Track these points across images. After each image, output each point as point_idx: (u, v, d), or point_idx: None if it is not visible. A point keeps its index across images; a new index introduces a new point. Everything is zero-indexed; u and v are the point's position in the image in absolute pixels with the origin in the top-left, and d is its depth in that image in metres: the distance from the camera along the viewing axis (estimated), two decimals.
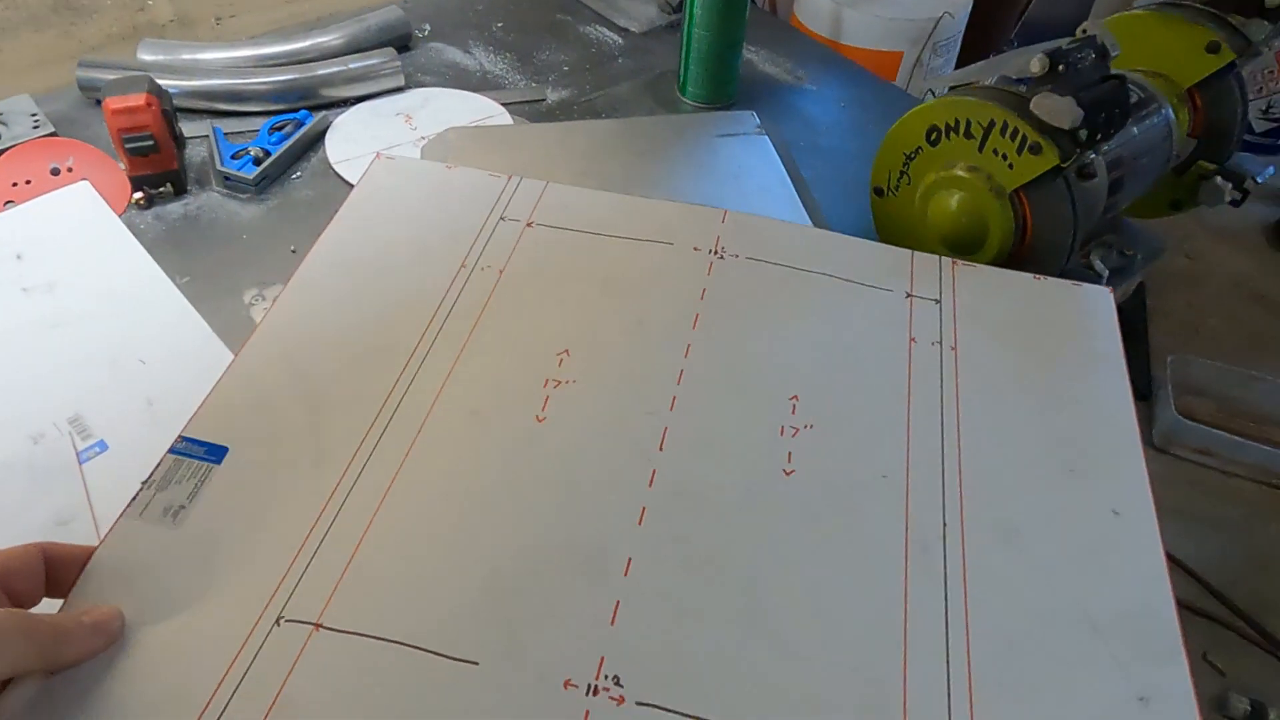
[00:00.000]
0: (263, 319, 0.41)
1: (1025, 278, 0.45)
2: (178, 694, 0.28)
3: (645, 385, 0.38)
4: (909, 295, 0.43)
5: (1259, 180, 0.58)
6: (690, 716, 0.29)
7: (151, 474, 0.34)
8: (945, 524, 0.34)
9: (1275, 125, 1.94)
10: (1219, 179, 0.58)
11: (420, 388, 0.38)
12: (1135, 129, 0.51)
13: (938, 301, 0.43)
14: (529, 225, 0.46)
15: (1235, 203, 0.58)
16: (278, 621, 0.30)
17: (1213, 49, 0.56)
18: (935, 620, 0.32)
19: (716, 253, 0.44)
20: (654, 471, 0.35)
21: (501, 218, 0.46)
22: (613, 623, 0.31)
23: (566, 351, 0.39)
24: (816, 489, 0.35)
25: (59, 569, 0.30)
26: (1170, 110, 0.55)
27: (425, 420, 0.37)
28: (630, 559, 0.32)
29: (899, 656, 0.31)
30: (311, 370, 0.38)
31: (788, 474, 0.35)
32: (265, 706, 0.28)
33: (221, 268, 0.56)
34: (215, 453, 0.35)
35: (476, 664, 0.29)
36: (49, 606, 0.30)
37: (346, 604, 0.31)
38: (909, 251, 0.45)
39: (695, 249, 0.44)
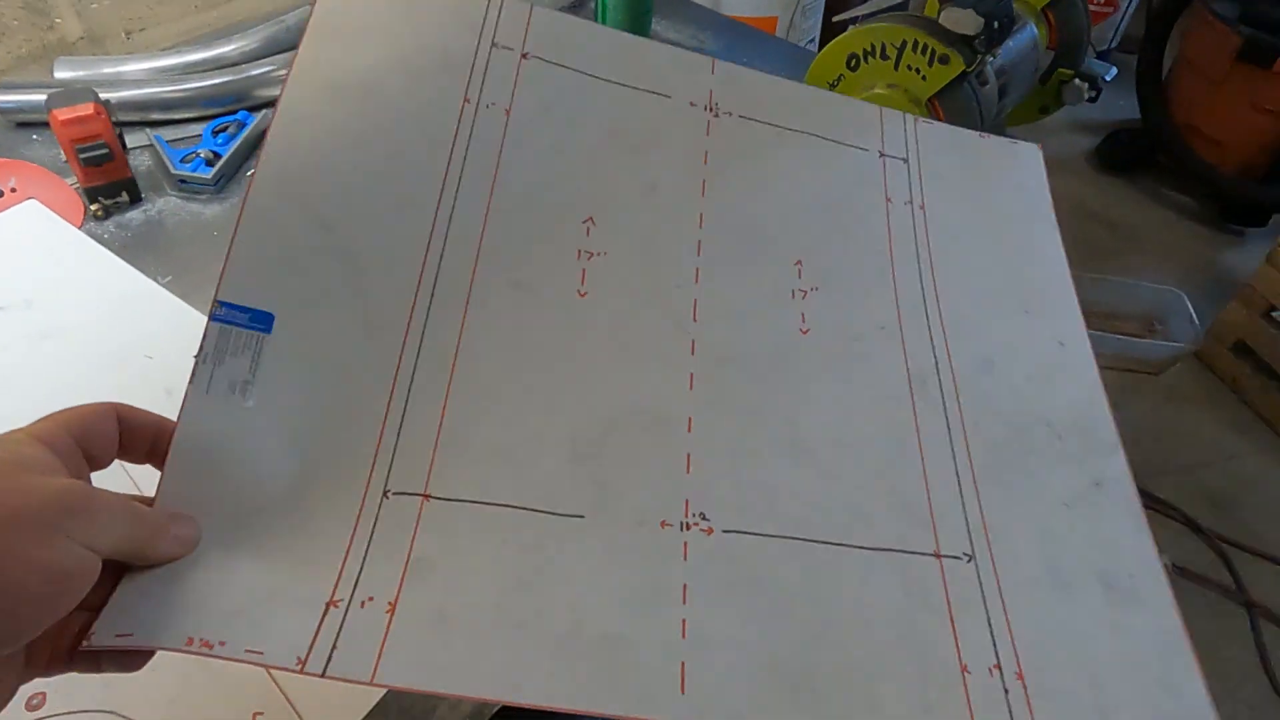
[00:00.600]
0: (261, 155, 0.37)
1: (972, 135, 0.51)
2: (309, 560, 0.30)
3: (670, 259, 0.41)
4: (881, 155, 0.48)
5: (1107, 79, 0.68)
6: (767, 535, 0.34)
7: (201, 346, 0.32)
8: (937, 361, 0.41)
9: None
10: (1077, 81, 0.67)
11: (456, 253, 0.38)
12: (1011, 42, 0.60)
13: (905, 161, 0.48)
14: (524, 57, 0.44)
15: (1092, 99, 0.68)
16: (385, 494, 0.32)
17: None
18: (941, 436, 0.38)
19: (711, 109, 0.46)
20: (693, 341, 0.39)
21: (494, 44, 0.43)
22: (688, 471, 0.35)
23: (591, 220, 0.41)
24: (829, 343, 0.40)
25: (130, 433, 0.30)
26: (1033, 26, 0.64)
27: (470, 291, 0.37)
28: (690, 418, 0.37)
29: (919, 467, 0.37)
30: (333, 219, 0.36)
31: (804, 333, 0.40)
32: (400, 566, 0.31)
33: (200, 263, 0.56)
34: (261, 320, 0.34)
35: (582, 517, 0.33)
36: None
37: (447, 474, 0.33)
38: (877, 107, 0.50)
39: (691, 104, 0.46)
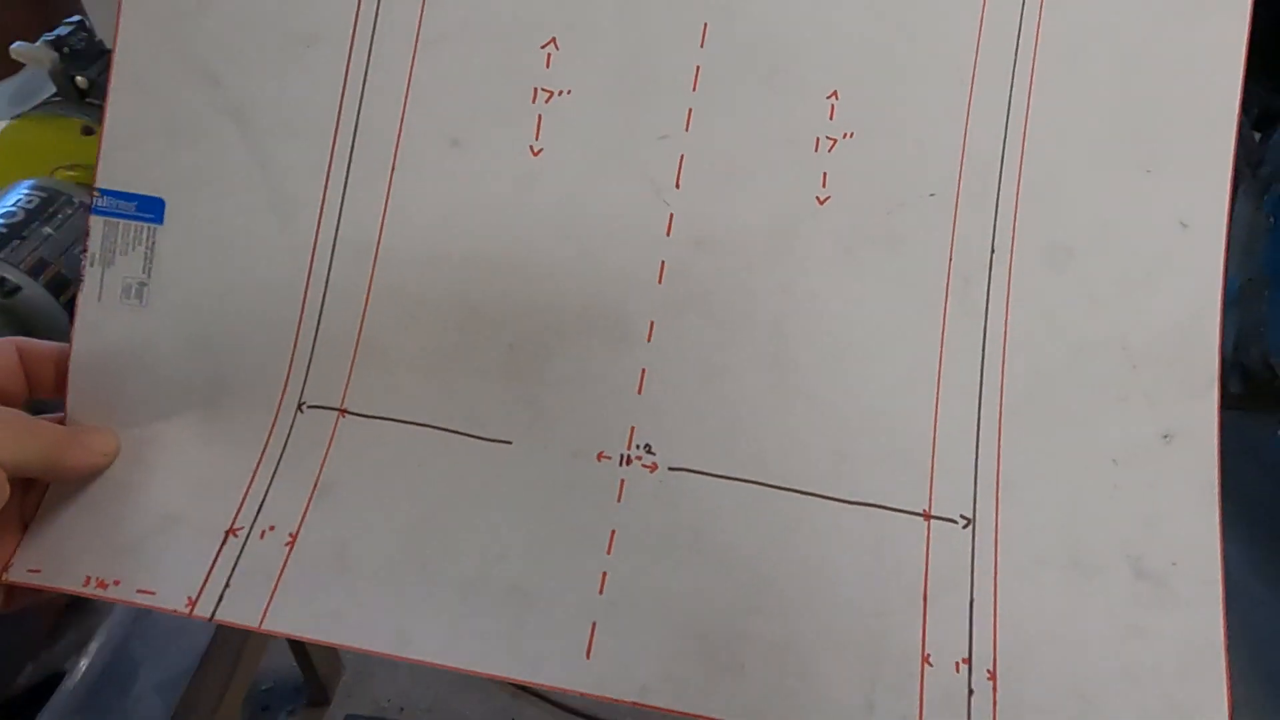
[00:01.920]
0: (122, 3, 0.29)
1: None
2: (214, 483, 0.28)
3: (654, 94, 0.31)
4: None
5: None
6: (720, 477, 0.28)
7: (87, 247, 0.29)
8: (994, 249, 0.30)
9: None
10: None
11: (376, 102, 0.30)
12: None
13: None
14: None
15: None
16: (300, 408, 0.29)
17: None
18: (971, 357, 0.29)
19: None
20: (671, 216, 0.30)
21: None
22: (640, 391, 0.29)
23: (554, 42, 0.31)
24: (852, 218, 0.31)
25: (34, 365, 0.29)
26: None
27: (396, 152, 0.30)
28: (653, 322, 0.30)
29: (930, 399, 0.29)
30: (221, 69, 0.30)
31: (821, 202, 0.31)
32: (307, 491, 0.28)
33: None
34: (150, 207, 0.30)
35: (510, 443, 0.29)
36: None
37: (365, 387, 0.30)
38: None
39: None
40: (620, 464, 0.28)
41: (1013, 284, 0.30)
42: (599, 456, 0.28)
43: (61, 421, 0.29)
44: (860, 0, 0.31)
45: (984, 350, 0.29)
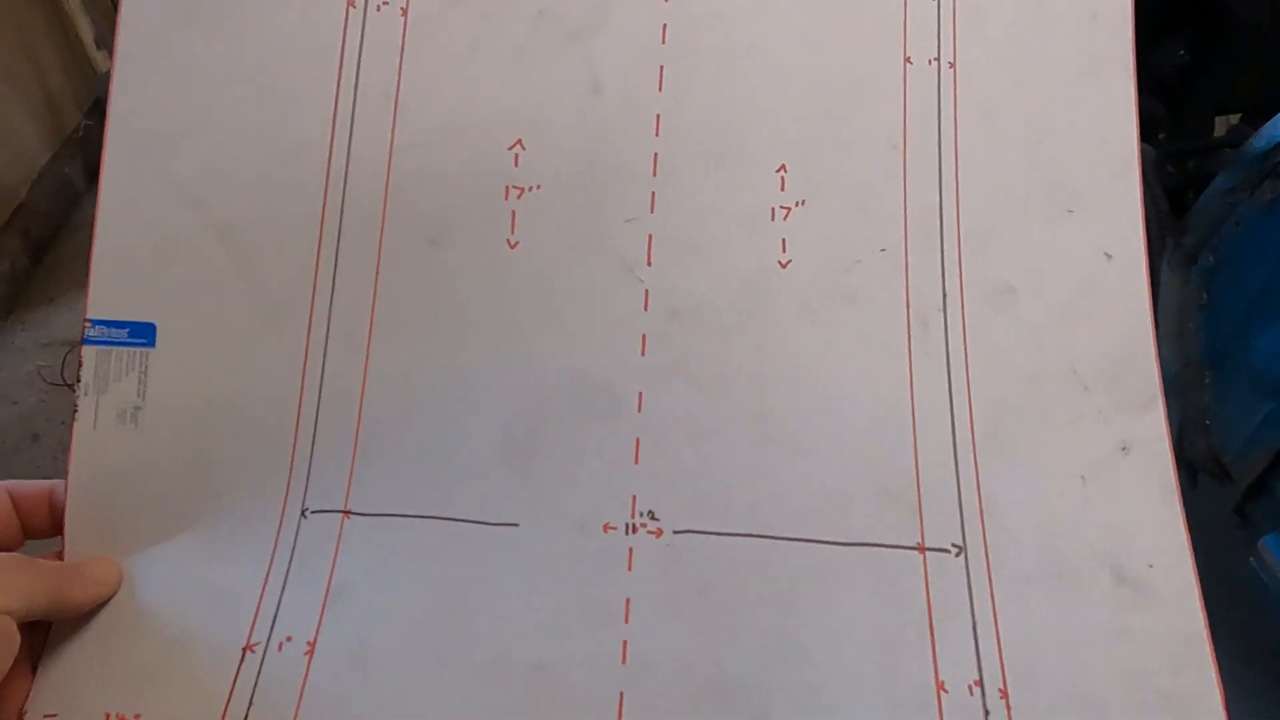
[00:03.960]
0: (106, 128, 0.30)
1: None
2: (226, 596, 0.28)
3: (619, 183, 0.32)
4: None
5: None
6: (724, 534, 0.29)
7: (80, 377, 0.29)
8: (945, 293, 0.32)
9: None
10: None
11: (357, 207, 0.31)
12: None
13: None
14: None
15: None
16: (304, 514, 0.29)
17: None
18: (939, 394, 0.31)
19: None
20: (646, 292, 0.32)
21: None
22: (636, 460, 0.30)
23: (520, 143, 0.33)
24: (813, 277, 0.32)
25: (27, 507, 0.28)
26: None
27: (380, 256, 0.31)
28: (641, 393, 0.31)
29: (908, 438, 0.30)
30: (205, 192, 0.30)
31: (784, 265, 0.32)
32: (320, 596, 0.28)
33: None
34: (142, 332, 0.30)
35: (516, 525, 0.29)
36: None
37: (367, 485, 0.30)
38: None
39: None
40: (626, 533, 0.29)
41: (967, 325, 0.32)
42: (605, 528, 0.29)
43: (59, 557, 0.28)
44: (796, 81, 0.34)
45: (950, 388, 0.31)
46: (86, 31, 1.51)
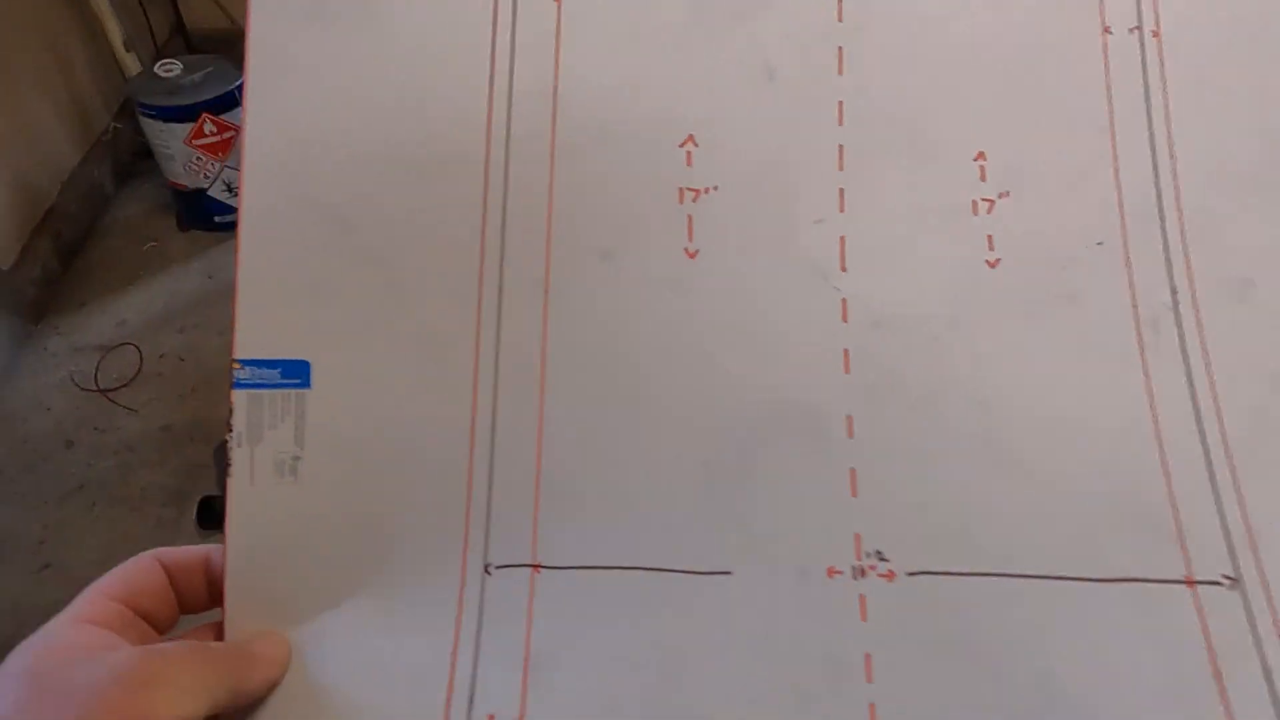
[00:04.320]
0: (243, 151, 0.27)
1: None
2: (411, 671, 0.25)
3: (803, 177, 0.29)
4: None
5: None
6: (964, 574, 0.25)
7: (231, 425, 0.26)
8: (1174, 289, 0.28)
9: None
10: None
11: (519, 222, 0.28)
12: None
13: None
14: None
15: None
16: (487, 570, 0.26)
17: None
18: (1182, 405, 0.27)
19: None
20: (844, 302, 0.28)
21: None
22: (854, 493, 0.26)
23: (691, 139, 0.29)
24: (1027, 278, 0.29)
25: (182, 578, 0.25)
26: None
27: (548, 274, 0.28)
28: (850, 416, 0.27)
29: (1154, 455, 0.26)
30: (354, 214, 0.27)
31: (992, 265, 0.29)
32: (519, 665, 0.25)
33: None
34: (295, 371, 0.27)
35: (729, 574, 0.26)
36: None
37: (555, 534, 0.27)
38: None
39: None
40: (854, 577, 0.25)
41: (1203, 324, 0.28)
42: (829, 572, 0.26)
43: (216, 632, 0.25)
44: (988, 58, 0.30)
45: (1194, 395, 0.27)
46: (115, 33, 1.47)
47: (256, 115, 0.27)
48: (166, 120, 1.36)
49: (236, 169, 1.42)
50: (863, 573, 0.25)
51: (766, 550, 0.26)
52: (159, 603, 0.24)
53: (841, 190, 0.29)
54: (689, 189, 0.29)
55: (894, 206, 0.29)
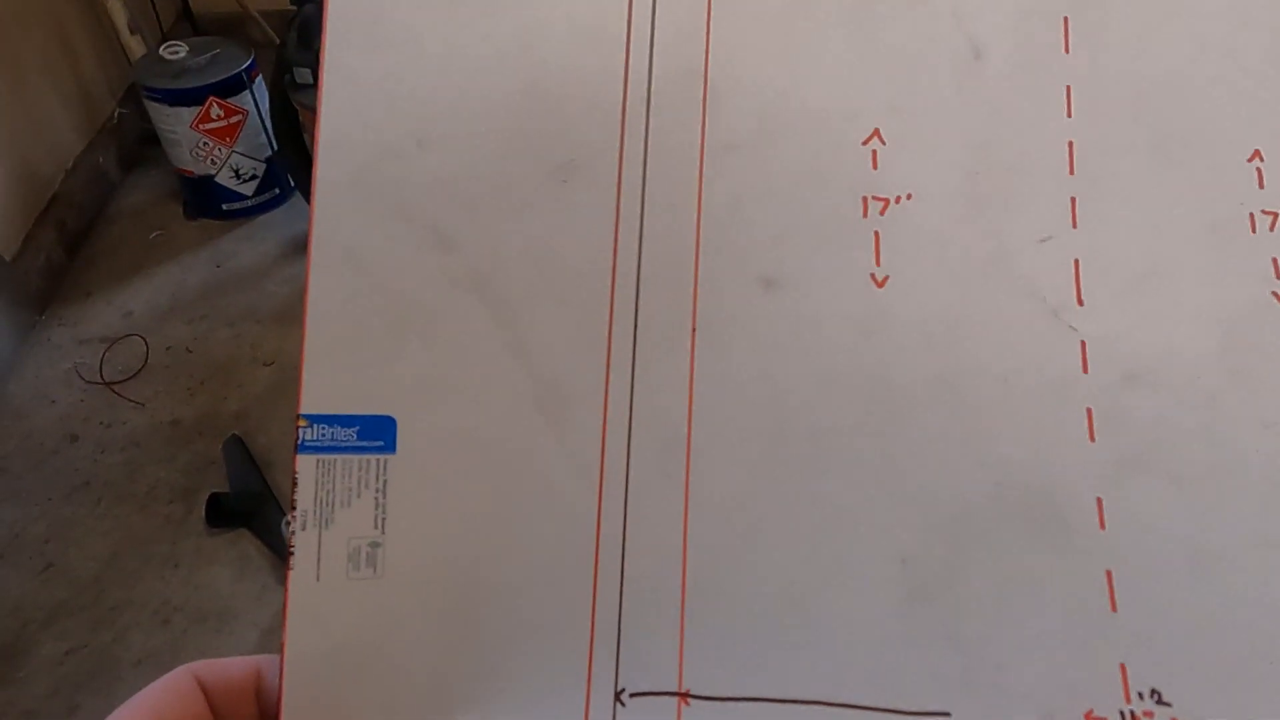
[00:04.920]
0: (317, 147, 0.21)
1: None
2: None
3: (1022, 183, 0.22)
4: None
5: None
6: None
7: (294, 503, 0.20)
8: None
9: None
10: None
11: (659, 243, 0.22)
12: None
13: None
14: None
15: None
16: (619, 699, 0.20)
17: None
18: None
19: None
20: (1083, 345, 0.21)
21: None
22: (1113, 607, 0.20)
23: (877, 134, 0.22)
24: None
25: (225, 700, 0.20)
26: None
27: (695, 309, 0.22)
28: (1100, 499, 0.20)
29: None
30: (455, 229, 0.21)
31: None
32: None
33: None
34: (377, 430, 0.20)
35: (949, 715, 0.19)
36: None
37: (708, 655, 0.20)
38: None
39: None
40: None
41: None
42: (1087, 718, 0.19)
43: None
44: (1266, 25, 0.23)
45: None
46: (119, 16, 1.41)
47: (335, 92, 0.21)
48: (172, 104, 1.29)
49: (245, 155, 1.36)
50: None
51: (995, 684, 0.19)
52: None
53: (1073, 199, 0.22)
54: (875, 198, 0.22)
55: (1144, 221, 0.22)
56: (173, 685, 0.19)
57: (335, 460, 0.20)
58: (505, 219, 0.21)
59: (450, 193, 0.21)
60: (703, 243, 0.21)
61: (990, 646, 0.20)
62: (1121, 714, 0.19)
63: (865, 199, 0.22)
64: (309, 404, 0.20)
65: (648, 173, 0.21)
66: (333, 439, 0.20)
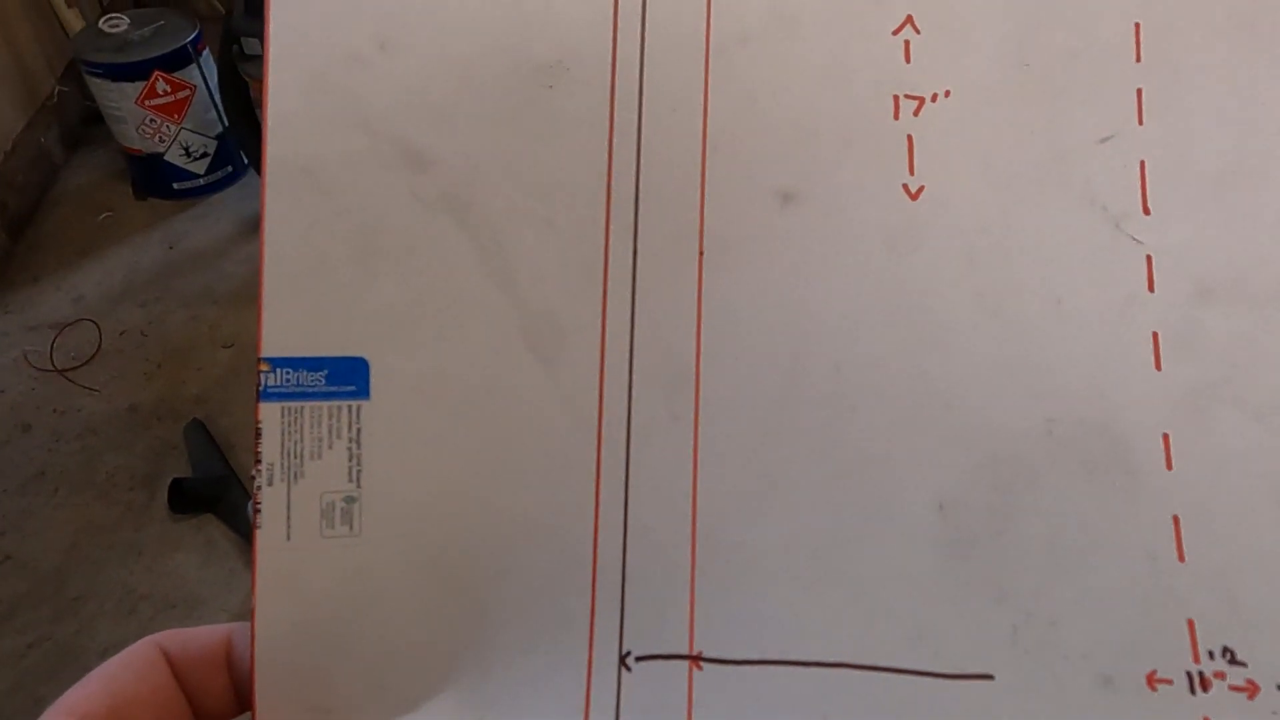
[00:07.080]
0: (268, 55, 0.17)
1: None
2: None
3: (1077, 74, 0.19)
4: None
5: None
6: None
7: (257, 457, 0.17)
8: None
9: None
10: None
11: (661, 154, 0.18)
12: None
13: None
14: None
15: None
16: (624, 662, 0.17)
17: None
18: None
19: None
20: (1149, 259, 0.19)
21: None
22: (1181, 558, 0.17)
23: (910, 22, 0.19)
24: None
25: (192, 673, 0.17)
26: None
27: (702, 227, 0.18)
28: (1167, 435, 0.18)
29: None
30: (422, 139, 0.18)
31: None
32: None
33: None
34: (347, 373, 0.18)
35: (990, 678, 0.17)
36: None
37: (722, 613, 0.17)
38: None
39: None
40: (1192, 689, 0.16)
41: None
42: (1150, 680, 0.16)
43: None
44: None
45: None
46: None
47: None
48: (115, 80, 1.22)
49: (195, 131, 1.28)
50: (1206, 684, 0.16)
51: (1044, 645, 0.17)
52: (163, 710, 0.16)
53: (1139, 91, 0.19)
54: (908, 96, 0.19)
55: (1224, 113, 0.19)
56: (133, 658, 0.16)
57: (303, 407, 0.17)
58: (483, 130, 0.18)
59: (419, 102, 0.18)
60: (710, 152, 0.18)
61: (1040, 601, 0.17)
62: (1189, 675, 0.16)
63: (896, 97, 0.19)
64: (270, 346, 0.16)
65: (645, 73, 0.18)
66: (298, 384, 0.17)
